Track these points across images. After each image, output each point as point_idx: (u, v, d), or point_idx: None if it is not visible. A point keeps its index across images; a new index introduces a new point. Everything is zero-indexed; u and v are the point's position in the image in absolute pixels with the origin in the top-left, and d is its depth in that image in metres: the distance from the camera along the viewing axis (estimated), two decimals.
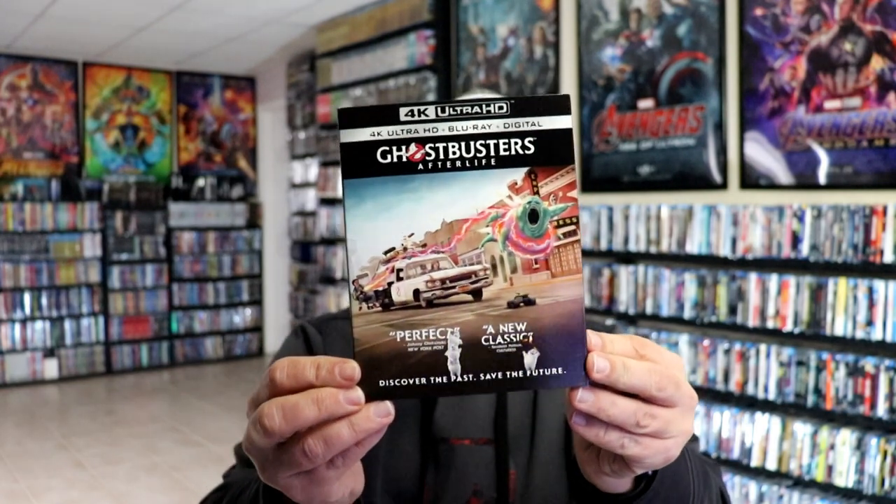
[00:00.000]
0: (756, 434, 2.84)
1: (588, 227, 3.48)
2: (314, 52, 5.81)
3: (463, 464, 0.93)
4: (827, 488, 2.66)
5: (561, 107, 0.52)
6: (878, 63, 2.64)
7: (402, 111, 0.52)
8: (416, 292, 0.52)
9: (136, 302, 6.89)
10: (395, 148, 0.52)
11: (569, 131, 0.52)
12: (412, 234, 0.51)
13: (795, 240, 2.77)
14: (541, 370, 0.51)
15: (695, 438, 0.93)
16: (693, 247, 3.08)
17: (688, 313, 3.09)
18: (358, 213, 0.51)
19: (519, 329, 0.51)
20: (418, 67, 4.64)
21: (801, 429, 2.71)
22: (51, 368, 6.50)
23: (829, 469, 2.64)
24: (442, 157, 0.52)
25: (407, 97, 4.72)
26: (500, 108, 0.52)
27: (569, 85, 3.83)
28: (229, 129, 7.67)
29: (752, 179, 3.03)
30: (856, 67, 2.70)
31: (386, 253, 0.52)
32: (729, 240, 2.96)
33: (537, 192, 0.51)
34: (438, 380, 0.51)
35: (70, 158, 6.82)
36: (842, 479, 2.60)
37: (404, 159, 0.51)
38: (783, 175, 2.92)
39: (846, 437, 2.60)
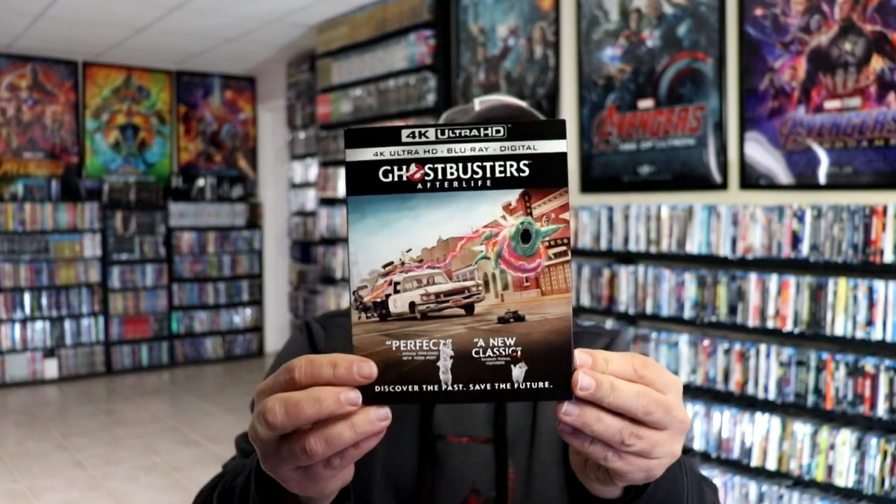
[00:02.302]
0: (756, 434, 2.84)
1: (588, 227, 3.48)
2: (314, 52, 5.81)
3: (461, 462, 0.93)
4: (827, 488, 2.66)
5: (556, 131, 0.54)
6: (878, 63, 2.64)
7: (404, 133, 0.54)
8: (412, 305, 0.54)
9: (136, 302, 6.89)
10: (396, 168, 0.54)
11: (563, 155, 0.54)
12: (410, 250, 0.54)
13: (795, 240, 2.77)
14: (528, 383, 0.53)
15: (693, 453, 0.93)
16: (693, 247, 3.09)
17: (688, 313, 3.09)
18: (360, 228, 0.54)
19: (508, 343, 0.53)
20: (418, 67, 4.64)
21: (801, 429, 2.71)
22: (51, 368, 6.51)
23: (829, 469, 2.64)
24: (440, 177, 0.54)
25: (407, 97, 4.72)
26: (498, 131, 0.54)
27: (569, 85, 3.83)
28: (229, 129, 7.68)
29: (752, 179, 3.03)
30: (856, 67, 2.70)
31: (385, 266, 0.54)
32: (729, 240, 2.97)
33: (530, 214, 0.54)
34: (430, 388, 0.53)
35: (70, 158, 6.82)
36: (842, 479, 2.60)
37: (404, 178, 0.54)
38: (783, 175, 2.93)
39: (846, 437, 2.60)
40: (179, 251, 7.10)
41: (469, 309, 0.54)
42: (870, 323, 2.55)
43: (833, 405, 2.64)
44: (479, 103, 1.02)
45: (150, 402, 5.92)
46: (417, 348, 0.54)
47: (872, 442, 2.53)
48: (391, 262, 0.54)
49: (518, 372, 0.53)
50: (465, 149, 0.54)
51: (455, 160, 0.54)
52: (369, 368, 0.52)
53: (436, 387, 0.53)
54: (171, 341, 7.11)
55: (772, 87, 2.95)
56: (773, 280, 2.81)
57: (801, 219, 2.76)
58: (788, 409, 2.77)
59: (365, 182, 0.54)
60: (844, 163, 2.74)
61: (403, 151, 0.54)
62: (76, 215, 6.59)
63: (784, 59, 2.91)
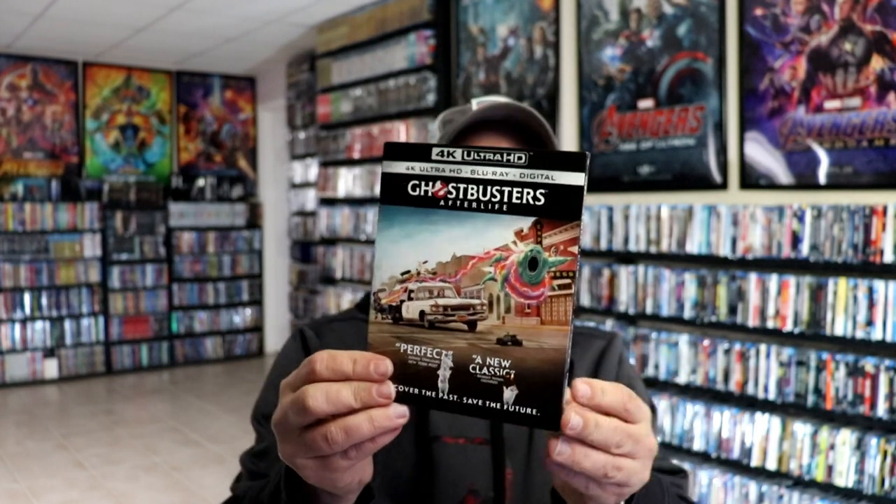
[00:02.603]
0: (756, 434, 2.84)
1: (588, 227, 3.48)
2: (314, 52, 5.81)
3: (458, 463, 0.94)
4: (827, 488, 2.66)
5: (576, 164, 0.55)
6: (878, 63, 2.64)
7: (434, 151, 0.58)
8: (422, 313, 0.58)
9: (136, 302, 6.89)
10: (423, 183, 0.58)
11: (580, 188, 0.54)
12: (426, 262, 0.57)
13: (795, 240, 2.77)
14: (516, 407, 0.55)
15: (684, 474, 0.97)
16: (693, 247, 3.08)
17: (688, 313, 3.08)
18: (386, 235, 0.58)
19: (503, 365, 0.55)
20: (418, 67, 4.63)
21: (801, 429, 2.71)
22: (51, 368, 6.51)
23: (829, 469, 2.64)
24: (461, 196, 0.57)
25: (407, 97, 4.72)
26: (520, 158, 0.56)
27: (569, 85, 3.83)
28: (229, 129, 7.68)
29: (752, 179, 3.03)
30: (856, 67, 2.70)
31: (403, 274, 0.58)
32: (729, 240, 2.96)
33: (540, 242, 0.55)
34: (428, 393, 0.56)
35: (70, 158, 6.82)
36: (842, 479, 2.60)
37: (429, 194, 0.58)
38: (783, 175, 2.92)
39: (846, 437, 2.59)
40: (179, 251, 7.10)
41: (472, 325, 0.56)
42: (870, 323, 2.55)
43: (833, 405, 2.64)
44: (476, 104, 1.03)
45: (150, 402, 5.92)
46: (422, 354, 0.56)
47: (872, 442, 2.53)
48: (409, 271, 0.58)
49: (509, 394, 0.55)
50: (486, 172, 0.56)
51: (476, 182, 0.56)
52: (385, 366, 0.54)
53: (433, 393, 0.56)
54: (171, 341, 7.11)
55: (772, 87, 2.95)
56: (773, 280, 2.81)
57: (801, 219, 2.75)
58: (788, 409, 2.77)
59: (396, 193, 0.58)
60: (844, 163, 2.74)
61: (431, 168, 0.57)
62: (76, 215, 6.59)
63: (784, 59, 2.90)
